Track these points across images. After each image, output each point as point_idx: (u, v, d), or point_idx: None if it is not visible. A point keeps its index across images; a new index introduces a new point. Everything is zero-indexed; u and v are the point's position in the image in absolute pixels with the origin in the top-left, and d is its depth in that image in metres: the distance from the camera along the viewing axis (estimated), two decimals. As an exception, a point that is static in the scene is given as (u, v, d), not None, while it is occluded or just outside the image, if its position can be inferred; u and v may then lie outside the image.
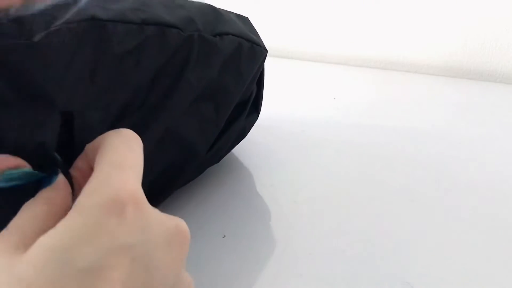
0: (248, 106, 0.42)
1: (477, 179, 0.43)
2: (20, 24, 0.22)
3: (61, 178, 0.20)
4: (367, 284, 0.30)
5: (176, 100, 0.32)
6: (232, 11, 0.39)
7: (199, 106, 0.35)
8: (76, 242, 0.16)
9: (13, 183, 0.20)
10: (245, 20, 0.40)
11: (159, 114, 0.32)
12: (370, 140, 0.51)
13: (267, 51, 0.41)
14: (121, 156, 0.19)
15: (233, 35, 0.36)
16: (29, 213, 0.18)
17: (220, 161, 0.43)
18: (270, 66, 0.75)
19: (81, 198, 0.17)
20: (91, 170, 0.19)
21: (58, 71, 0.24)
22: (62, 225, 0.16)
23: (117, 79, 0.28)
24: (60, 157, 0.23)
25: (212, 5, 0.37)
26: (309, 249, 0.33)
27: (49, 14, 0.24)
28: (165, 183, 0.35)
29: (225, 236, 0.34)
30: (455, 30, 0.77)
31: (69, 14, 0.25)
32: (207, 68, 0.34)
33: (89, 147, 0.22)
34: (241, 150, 0.47)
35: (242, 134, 0.44)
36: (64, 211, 0.18)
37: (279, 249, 0.33)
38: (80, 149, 0.25)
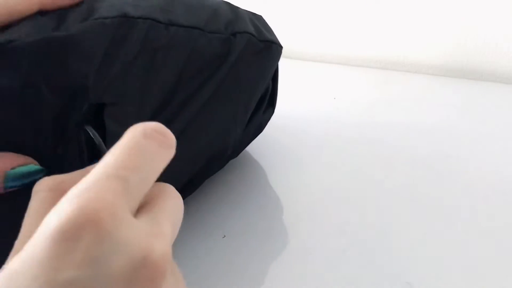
0: (265, 102, 0.43)
1: (478, 179, 0.43)
2: (58, 17, 0.24)
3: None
4: (367, 284, 0.30)
5: (206, 97, 0.33)
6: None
7: (228, 103, 0.36)
8: (19, 275, 0.13)
9: (24, 181, 0.20)
10: (259, 18, 0.41)
11: (190, 110, 0.33)
12: (370, 140, 0.51)
13: (282, 47, 0.42)
14: (115, 161, 0.15)
15: (251, 34, 0.37)
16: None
17: (220, 161, 0.43)
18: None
19: (46, 218, 0.14)
20: None
21: (93, 63, 0.25)
22: (23, 251, 0.14)
23: (147, 75, 0.29)
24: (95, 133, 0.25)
25: (229, 3, 0.37)
26: (309, 249, 0.33)
27: (84, 8, 0.25)
28: (199, 175, 0.37)
29: (225, 236, 0.34)
30: (455, 30, 0.77)
31: (103, 10, 0.26)
32: (234, 67, 0.35)
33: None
34: (241, 150, 0.48)
35: (259, 129, 0.45)
36: None
37: (279, 249, 0.33)
38: (111, 141, 0.25)
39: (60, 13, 0.24)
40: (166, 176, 0.29)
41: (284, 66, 0.85)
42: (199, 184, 0.38)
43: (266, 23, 0.41)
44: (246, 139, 0.43)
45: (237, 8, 0.38)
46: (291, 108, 0.61)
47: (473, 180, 0.42)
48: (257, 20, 0.40)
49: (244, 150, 0.47)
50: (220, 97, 0.35)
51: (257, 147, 0.47)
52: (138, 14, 0.27)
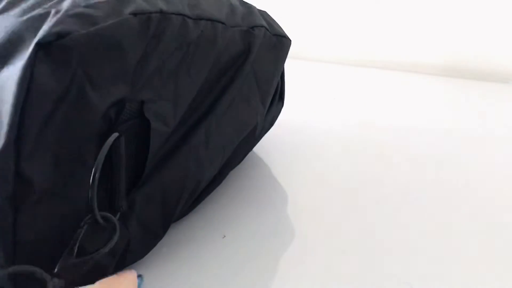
0: (277, 95, 0.44)
1: (478, 179, 0.43)
2: (87, 15, 0.23)
3: None
4: (367, 284, 0.30)
5: (234, 93, 0.34)
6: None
7: (251, 97, 0.37)
8: None
9: None
10: (266, 13, 0.41)
11: (220, 107, 0.33)
12: (369, 140, 0.51)
13: (291, 41, 0.42)
14: None
15: (266, 27, 0.37)
16: None
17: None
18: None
19: None
20: None
21: (133, 59, 0.25)
22: None
23: (182, 71, 0.29)
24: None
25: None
26: (309, 249, 0.33)
27: (115, 4, 0.25)
28: (226, 166, 0.38)
29: (225, 236, 0.34)
30: (455, 30, 0.77)
31: (138, 4, 0.25)
32: (256, 62, 0.36)
33: None
34: (241, 150, 0.47)
35: (271, 122, 0.45)
36: None
37: (279, 249, 0.33)
38: (155, 138, 0.26)
39: (90, 6, 0.23)
40: (200, 174, 0.29)
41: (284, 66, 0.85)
42: (226, 175, 0.39)
43: (272, 17, 0.42)
44: (262, 132, 0.43)
45: (246, 2, 0.38)
46: (291, 108, 0.61)
47: (473, 180, 0.42)
48: (265, 15, 0.40)
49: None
50: (243, 92, 0.35)
51: (256, 147, 0.46)
52: (171, 10, 0.27)
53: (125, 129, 0.25)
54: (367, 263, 0.32)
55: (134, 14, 0.25)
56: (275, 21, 0.41)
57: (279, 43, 0.39)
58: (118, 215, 0.25)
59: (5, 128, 0.21)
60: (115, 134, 0.24)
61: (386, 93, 0.68)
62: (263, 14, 0.40)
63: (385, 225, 0.36)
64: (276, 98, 0.44)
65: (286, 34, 0.41)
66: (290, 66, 0.86)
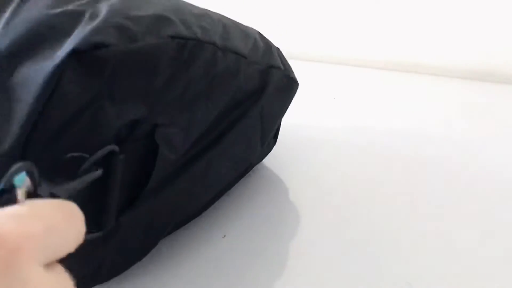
0: (272, 134, 0.43)
1: (478, 179, 0.43)
2: (127, 28, 0.22)
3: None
4: (367, 284, 0.30)
5: (242, 130, 0.34)
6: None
7: (252, 137, 0.37)
8: None
9: None
10: (279, 50, 0.41)
11: (226, 140, 0.32)
12: (369, 141, 0.51)
13: (299, 85, 0.42)
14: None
15: (281, 70, 0.37)
16: None
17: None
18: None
19: None
20: None
21: (159, 81, 0.24)
22: None
23: (200, 101, 0.28)
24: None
25: (259, 32, 0.37)
26: (309, 249, 0.33)
27: (155, 21, 0.24)
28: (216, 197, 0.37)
29: (225, 236, 0.34)
30: (455, 30, 0.77)
31: (176, 27, 0.25)
32: (267, 101, 0.36)
33: None
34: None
35: (261, 158, 0.44)
36: None
37: (279, 249, 0.33)
38: (160, 164, 0.25)
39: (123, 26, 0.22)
40: (191, 207, 0.31)
41: (284, 66, 0.85)
42: (209, 207, 0.38)
43: (284, 57, 0.41)
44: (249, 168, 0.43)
45: (264, 37, 0.38)
46: (291, 108, 0.61)
47: (474, 180, 0.42)
48: (280, 53, 0.40)
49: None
50: (248, 131, 0.35)
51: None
52: (206, 39, 0.27)
53: (131, 149, 0.24)
54: (367, 263, 0.32)
55: (173, 37, 0.24)
56: (287, 62, 0.41)
57: (289, 86, 0.39)
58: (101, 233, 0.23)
59: (16, 128, 0.20)
60: (112, 147, 0.22)
61: (386, 93, 0.68)
62: (279, 52, 0.39)
63: (385, 225, 0.36)
64: (271, 137, 0.43)
65: (296, 78, 0.41)
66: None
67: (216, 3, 0.38)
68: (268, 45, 0.37)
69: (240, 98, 0.33)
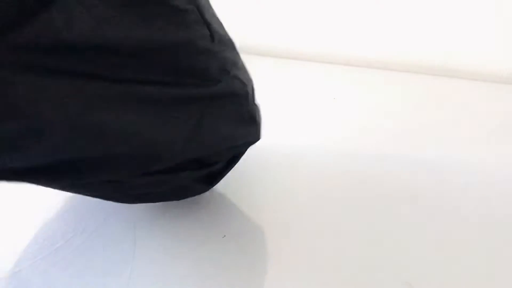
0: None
1: (478, 179, 0.43)
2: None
3: None
4: (367, 284, 0.30)
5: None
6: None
7: None
8: None
9: None
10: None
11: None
12: (369, 141, 0.51)
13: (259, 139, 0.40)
14: None
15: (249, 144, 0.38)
16: None
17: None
18: (270, 66, 0.75)
19: None
20: None
21: (184, 131, 0.26)
22: None
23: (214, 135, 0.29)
24: None
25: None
26: (309, 249, 0.33)
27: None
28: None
29: (225, 236, 0.34)
30: (455, 30, 0.77)
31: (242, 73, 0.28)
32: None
33: None
34: (241, 150, 0.47)
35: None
36: None
37: (279, 249, 0.33)
38: None
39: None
40: None
41: (284, 66, 0.85)
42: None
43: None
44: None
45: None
46: (290, 108, 0.61)
47: (474, 180, 0.42)
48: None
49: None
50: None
51: (255, 148, 0.46)
52: (251, 91, 0.30)
53: None
54: (367, 263, 0.32)
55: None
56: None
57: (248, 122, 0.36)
58: None
59: None
60: None
61: (386, 94, 0.68)
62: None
63: (385, 225, 0.36)
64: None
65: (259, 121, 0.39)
66: (290, 66, 0.86)
67: (217, 2, 0.38)
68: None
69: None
